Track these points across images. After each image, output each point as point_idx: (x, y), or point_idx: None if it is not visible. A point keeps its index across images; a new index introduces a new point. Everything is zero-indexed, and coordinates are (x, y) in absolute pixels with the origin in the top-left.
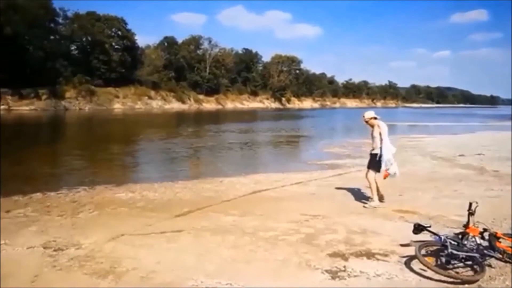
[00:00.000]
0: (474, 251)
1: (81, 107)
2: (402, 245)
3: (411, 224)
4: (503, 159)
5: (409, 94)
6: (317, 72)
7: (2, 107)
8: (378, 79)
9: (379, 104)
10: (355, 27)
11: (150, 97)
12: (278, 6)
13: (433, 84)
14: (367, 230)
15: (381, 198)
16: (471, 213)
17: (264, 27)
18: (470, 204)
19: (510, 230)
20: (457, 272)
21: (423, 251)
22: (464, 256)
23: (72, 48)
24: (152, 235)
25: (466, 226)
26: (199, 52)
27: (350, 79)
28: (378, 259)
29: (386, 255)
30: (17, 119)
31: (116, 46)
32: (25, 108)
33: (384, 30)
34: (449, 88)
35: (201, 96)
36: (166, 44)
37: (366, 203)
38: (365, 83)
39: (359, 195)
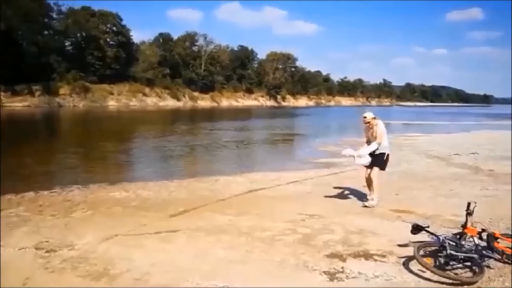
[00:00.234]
0: (473, 251)
1: (75, 104)
2: (400, 246)
3: (408, 224)
4: (498, 158)
5: (404, 93)
6: (313, 70)
7: None
8: (373, 78)
9: (373, 102)
10: (351, 25)
11: (144, 94)
12: (274, 3)
13: (428, 83)
14: (364, 230)
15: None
16: (469, 213)
17: (260, 24)
18: (469, 204)
19: (507, 230)
20: (456, 273)
21: (421, 252)
22: (463, 257)
23: (66, 43)
24: (146, 236)
25: (464, 226)
26: (195, 48)
27: (345, 77)
28: (376, 260)
29: (384, 256)
30: (10, 115)
31: (111, 42)
32: (18, 104)
33: (380, 29)
34: (443, 87)
35: (196, 93)
36: (161, 40)
37: (365, 202)
38: (360, 81)
39: (355, 195)
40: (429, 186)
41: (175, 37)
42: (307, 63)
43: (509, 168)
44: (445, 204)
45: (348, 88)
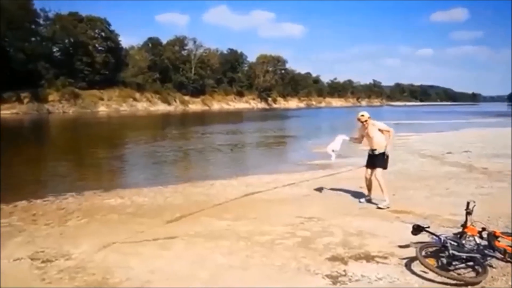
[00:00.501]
0: (475, 251)
1: (65, 110)
2: (400, 247)
3: (407, 224)
4: (490, 156)
5: (394, 93)
6: (303, 71)
7: None
8: (363, 78)
9: (364, 103)
10: (338, 26)
11: (135, 99)
12: (262, 6)
13: (417, 83)
14: (363, 232)
15: (370, 200)
16: (468, 212)
17: (248, 27)
18: (468, 203)
19: (506, 229)
20: (459, 274)
21: (423, 253)
22: (465, 257)
23: (54, 50)
24: (144, 243)
25: (464, 225)
26: (184, 52)
27: (335, 79)
28: (378, 262)
29: (385, 258)
30: None
31: (99, 48)
32: (6, 112)
33: (368, 29)
34: (431, 86)
35: (186, 97)
36: (150, 45)
37: (379, 205)
38: (350, 82)
39: (352, 196)
40: (425, 185)
41: (164, 41)
42: (296, 65)
43: (502, 166)
44: (442, 204)
45: (338, 89)
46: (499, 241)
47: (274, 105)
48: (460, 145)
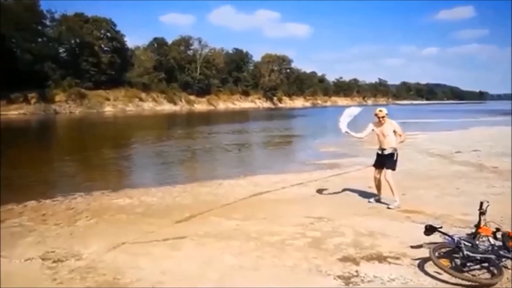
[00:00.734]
0: (489, 252)
1: (72, 111)
2: (412, 247)
3: (418, 224)
4: (500, 155)
5: (400, 92)
6: (308, 71)
7: None
8: (368, 77)
9: (369, 102)
10: (343, 25)
11: (141, 99)
12: (266, 6)
13: (423, 81)
14: (374, 232)
15: (379, 199)
16: (482, 212)
17: (253, 26)
18: (481, 203)
19: None
20: (473, 275)
21: (436, 253)
22: (479, 258)
23: (61, 50)
24: (154, 243)
25: (477, 226)
26: (189, 52)
27: (341, 78)
28: (390, 263)
29: (397, 258)
30: (6, 124)
31: (105, 48)
32: (14, 112)
33: (372, 29)
34: (438, 85)
35: (192, 97)
36: (155, 45)
37: (390, 205)
38: (356, 81)
39: (361, 195)
40: (435, 185)
41: (169, 41)
42: (302, 64)
43: None
44: (453, 203)
45: (344, 88)
46: None
47: (280, 105)
48: (469, 144)
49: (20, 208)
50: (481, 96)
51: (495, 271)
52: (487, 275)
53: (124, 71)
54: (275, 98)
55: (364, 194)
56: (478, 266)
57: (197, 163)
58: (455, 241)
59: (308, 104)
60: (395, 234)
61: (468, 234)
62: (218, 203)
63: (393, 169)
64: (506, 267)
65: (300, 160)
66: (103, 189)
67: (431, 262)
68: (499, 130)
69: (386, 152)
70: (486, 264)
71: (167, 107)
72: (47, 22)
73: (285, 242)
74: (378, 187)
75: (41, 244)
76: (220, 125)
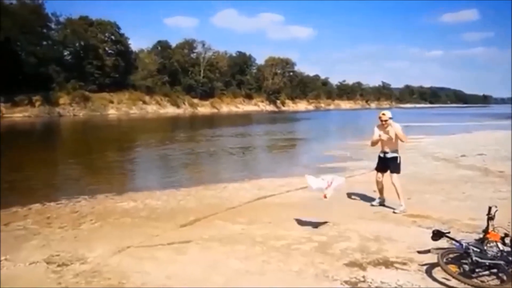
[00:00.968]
0: (498, 258)
1: (76, 113)
2: (419, 252)
3: (425, 229)
4: (505, 159)
5: (403, 95)
6: (311, 74)
7: None
8: (372, 80)
9: (373, 105)
10: (347, 28)
11: (144, 102)
12: (270, 9)
13: (426, 84)
14: (380, 237)
15: (382, 202)
16: (490, 217)
17: (256, 29)
18: (490, 208)
19: None
20: (482, 281)
21: (444, 259)
22: (488, 264)
23: (65, 53)
24: (159, 247)
25: (485, 231)
26: (193, 55)
27: (344, 81)
28: (397, 268)
29: (404, 264)
30: (11, 126)
31: (109, 51)
32: (19, 115)
33: (376, 31)
34: (442, 88)
35: (195, 100)
36: (159, 48)
37: (395, 210)
38: (359, 84)
39: (366, 199)
40: (440, 189)
41: (173, 44)
42: (305, 67)
43: None
44: (460, 208)
45: (347, 91)
46: None
47: (283, 108)
48: (474, 147)
49: (24, 211)
50: (485, 99)
51: (504, 277)
52: (496, 282)
53: (128, 74)
54: (278, 101)
55: (369, 198)
56: (487, 272)
57: (201, 166)
58: (463, 246)
59: (311, 107)
60: (401, 239)
61: (476, 240)
62: (223, 206)
63: (398, 172)
64: None
65: (304, 164)
66: (107, 192)
67: (439, 267)
68: (504, 134)
69: (388, 156)
70: (495, 270)
71: (170, 110)
72: (52, 25)
73: (291, 246)
74: (381, 190)
75: (46, 247)
76: (224, 128)
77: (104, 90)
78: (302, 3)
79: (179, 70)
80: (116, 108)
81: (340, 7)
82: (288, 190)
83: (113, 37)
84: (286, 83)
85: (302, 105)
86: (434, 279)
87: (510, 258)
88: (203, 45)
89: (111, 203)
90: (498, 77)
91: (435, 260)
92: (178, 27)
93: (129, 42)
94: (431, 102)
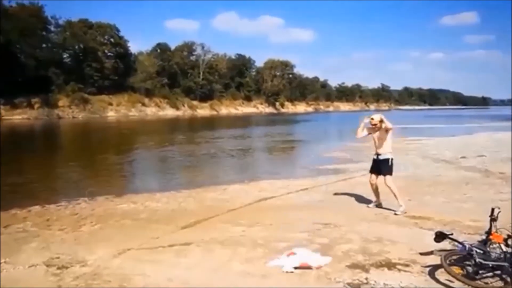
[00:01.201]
0: (502, 259)
1: (75, 116)
2: (422, 254)
3: (426, 231)
4: (506, 161)
5: (402, 97)
6: (310, 76)
7: None
8: (371, 82)
9: (372, 107)
10: (347, 30)
11: (144, 104)
12: (270, 12)
13: (425, 86)
14: (382, 239)
15: (379, 205)
16: (493, 219)
17: (257, 32)
18: (493, 209)
19: None
20: (486, 283)
21: (447, 261)
22: (491, 266)
23: (65, 56)
24: (160, 249)
25: (488, 232)
26: (192, 58)
27: (343, 83)
28: (400, 270)
29: (407, 265)
30: (10, 128)
31: (109, 54)
32: (18, 117)
33: (376, 34)
34: (441, 90)
35: (195, 102)
36: (159, 50)
37: (396, 211)
38: (358, 86)
39: (367, 201)
40: (441, 190)
41: (172, 47)
42: (305, 69)
43: None
44: (461, 209)
45: (346, 93)
46: None
47: (282, 110)
48: (474, 149)
49: (24, 213)
50: (484, 101)
51: (508, 279)
52: (500, 283)
53: (127, 76)
54: (277, 103)
55: (370, 200)
56: (490, 274)
57: (201, 168)
58: (467, 248)
59: (310, 109)
60: (403, 241)
61: (479, 241)
62: (224, 208)
63: (390, 174)
64: None
65: (304, 166)
66: (107, 194)
67: (442, 269)
68: (504, 136)
69: (381, 158)
70: (498, 272)
71: (169, 112)
72: (52, 28)
73: (292, 248)
74: (376, 192)
75: (46, 250)
76: (223, 130)
77: (103, 92)
78: (302, 5)
79: (178, 72)
80: (115, 110)
81: (341, 10)
82: (288, 192)
83: (112, 39)
84: (285, 85)
85: (301, 107)
86: (437, 281)
87: None
88: (203, 47)
89: (111, 205)
90: (497, 79)
91: (438, 262)
92: (179, 30)
93: (129, 44)
94: (430, 104)
